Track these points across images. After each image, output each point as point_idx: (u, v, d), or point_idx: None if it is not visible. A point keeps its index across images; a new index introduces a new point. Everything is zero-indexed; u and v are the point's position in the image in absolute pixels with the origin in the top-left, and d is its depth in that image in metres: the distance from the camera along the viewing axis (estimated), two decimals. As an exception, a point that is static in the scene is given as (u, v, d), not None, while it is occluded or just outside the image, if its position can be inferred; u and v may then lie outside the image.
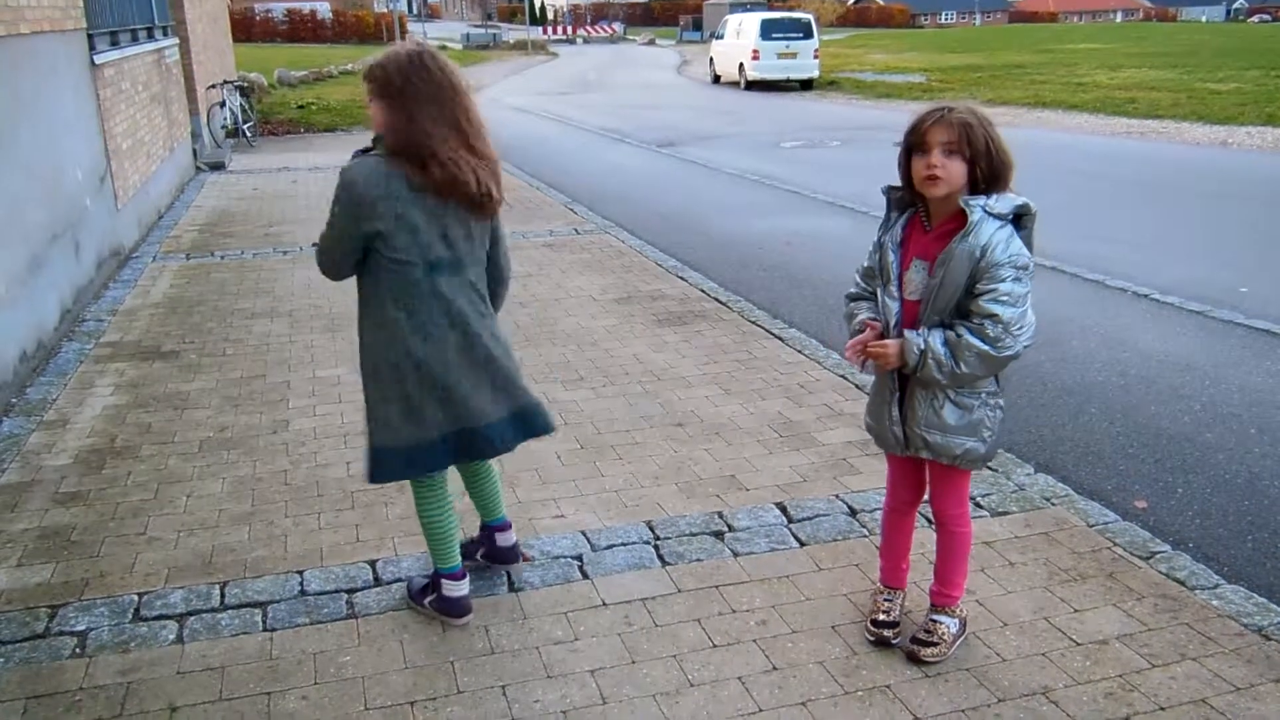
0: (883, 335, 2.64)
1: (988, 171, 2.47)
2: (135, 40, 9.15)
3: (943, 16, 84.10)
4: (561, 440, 4.24)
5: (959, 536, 2.80)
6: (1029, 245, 2.54)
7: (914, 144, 2.51)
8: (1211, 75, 22.39)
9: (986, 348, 2.48)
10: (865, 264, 2.76)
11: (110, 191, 7.40)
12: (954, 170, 2.47)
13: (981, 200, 2.48)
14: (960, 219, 2.51)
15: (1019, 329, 2.49)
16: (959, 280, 2.50)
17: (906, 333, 2.57)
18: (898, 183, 2.62)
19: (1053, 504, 3.64)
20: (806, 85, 25.26)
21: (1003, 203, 2.49)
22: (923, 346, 2.52)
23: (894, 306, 2.62)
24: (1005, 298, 2.46)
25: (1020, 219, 2.52)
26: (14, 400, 4.75)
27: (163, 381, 5.01)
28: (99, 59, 7.38)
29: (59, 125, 6.26)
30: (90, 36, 7.27)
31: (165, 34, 10.95)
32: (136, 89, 8.84)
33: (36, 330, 5.33)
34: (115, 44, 8.25)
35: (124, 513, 3.65)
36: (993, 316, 2.47)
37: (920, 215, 2.61)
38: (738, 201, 10.50)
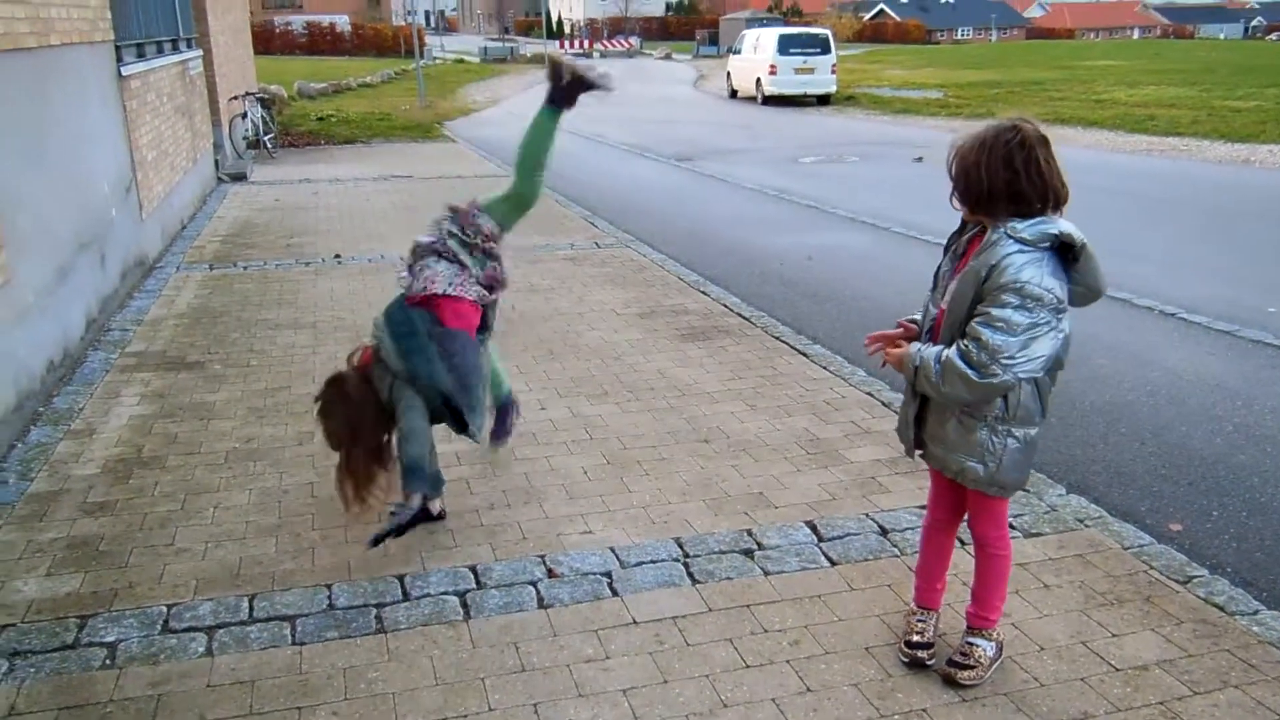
0: (917, 336, 2.69)
1: (973, 196, 2.46)
2: (160, 52, 9.22)
3: (959, 33, 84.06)
4: (588, 455, 4.23)
5: (998, 559, 2.76)
6: (1091, 277, 2.47)
7: None
8: (1231, 93, 22.29)
9: (968, 371, 2.42)
10: None
11: (135, 202, 7.44)
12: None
13: (1009, 223, 2.44)
14: None
15: (1010, 358, 2.39)
16: (966, 296, 2.48)
17: (910, 345, 2.62)
18: None
19: (1086, 525, 3.60)
20: (824, 100, 25.28)
21: (1032, 229, 2.42)
22: (918, 362, 2.54)
23: (931, 312, 2.66)
24: (999, 323, 2.39)
25: (1067, 249, 2.44)
26: (41, 409, 4.76)
27: (188, 392, 5.02)
28: (126, 71, 7.43)
29: (86, 136, 6.30)
30: (118, 48, 7.32)
31: (189, 46, 11.03)
32: (161, 100, 8.90)
33: (63, 340, 5.35)
34: (141, 56, 8.31)
35: (152, 523, 3.65)
36: (978, 339, 2.41)
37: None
38: (757, 216, 10.49)
